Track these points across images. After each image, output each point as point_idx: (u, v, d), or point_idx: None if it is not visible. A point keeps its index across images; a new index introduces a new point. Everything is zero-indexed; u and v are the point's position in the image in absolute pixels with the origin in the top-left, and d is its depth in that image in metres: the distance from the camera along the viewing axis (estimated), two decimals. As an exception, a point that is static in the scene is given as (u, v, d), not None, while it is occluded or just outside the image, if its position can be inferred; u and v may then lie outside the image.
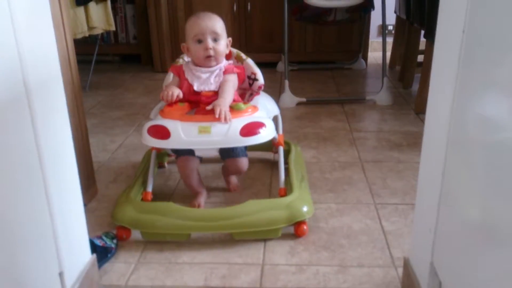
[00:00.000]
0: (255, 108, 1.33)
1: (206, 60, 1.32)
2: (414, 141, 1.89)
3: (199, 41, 1.31)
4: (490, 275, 0.67)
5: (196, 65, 1.34)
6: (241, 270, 1.15)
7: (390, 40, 3.09)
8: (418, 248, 0.97)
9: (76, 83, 1.38)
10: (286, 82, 2.44)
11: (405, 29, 2.81)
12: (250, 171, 1.62)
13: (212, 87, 1.33)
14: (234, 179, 1.55)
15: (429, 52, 2.20)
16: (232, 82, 1.35)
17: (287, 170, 1.46)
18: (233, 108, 1.28)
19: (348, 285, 1.09)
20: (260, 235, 1.24)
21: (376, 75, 2.96)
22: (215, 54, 1.32)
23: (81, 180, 1.04)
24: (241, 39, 3.06)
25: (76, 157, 0.99)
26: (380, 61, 2.51)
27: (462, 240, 0.78)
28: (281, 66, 3.03)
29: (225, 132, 1.22)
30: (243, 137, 1.23)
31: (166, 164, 1.71)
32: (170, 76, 1.41)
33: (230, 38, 1.38)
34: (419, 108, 2.25)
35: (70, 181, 0.96)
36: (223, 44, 1.34)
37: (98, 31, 2.51)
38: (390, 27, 3.41)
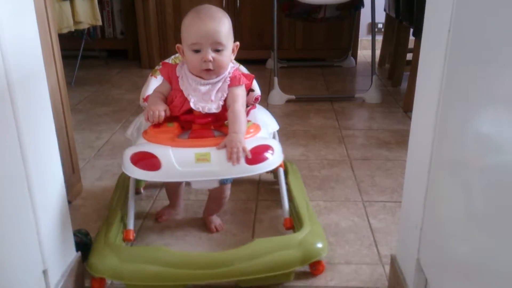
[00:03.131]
0: (257, 127, 1.11)
1: (203, 73, 1.05)
2: (402, 139, 1.89)
3: (197, 51, 1.03)
4: (476, 272, 0.67)
5: (192, 73, 1.07)
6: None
7: (379, 38, 3.10)
8: (404, 245, 0.97)
9: (61, 78, 1.36)
10: (275, 79, 2.44)
11: (394, 27, 2.82)
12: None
13: (213, 107, 1.05)
14: (215, 217, 1.29)
15: (417, 50, 2.21)
16: (242, 99, 1.07)
17: (288, 194, 1.26)
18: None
19: (335, 282, 1.08)
20: (270, 281, 1.04)
21: (366, 73, 2.97)
22: (215, 68, 1.04)
23: (66, 177, 1.02)
24: (231, 35, 3.05)
25: (60, 154, 0.97)
26: (369, 59, 2.52)
27: (448, 237, 0.78)
28: (270, 63, 3.02)
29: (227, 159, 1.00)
30: (249, 165, 1.00)
31: (142, 190, 1.48)
32: (151, 81, 1.19)
33: (237, 43, 1.09)
34: (408, 106, 2.25)
35: (53, 178, 0.94)
36: (227, 54, 1.05)
37: (84, 26, 2.48)
38: (380, 25, 3.43)
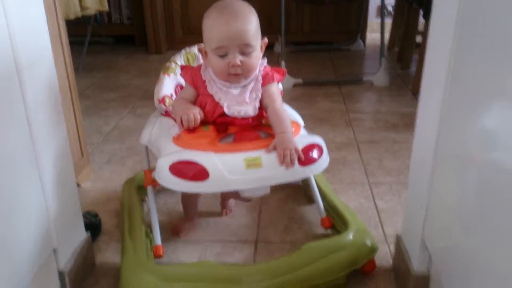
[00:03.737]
0: (297, 125, 1.00)
1: (230, 77, 0.94)
2: (410, 122, 1.88)
3: (222, 56, 0.92)
4: (479, 250, 0.67)
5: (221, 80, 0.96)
6: (235, 248, 1.15)
7: (389, 21, 3.07)
8: (410, 224, 0.98)
9: (69, 64, 1.36)
10: (283, 63, 2.42)
11: (404, 9, 2.78)
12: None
13: (250, 109, 0.95)
14: (231, 202, 1.27)
15: (427, 33, 2.18)
16: (279, 97, 0.99)
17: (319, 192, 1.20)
18: (270, 127, 0.96)
19: (341, 262, 1.09)
20: (324, 286, 0.97)
21: (374, 56, 2.94)
22: (243, 72, 0.93)
23: (75, 161, 1.04)
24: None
25: (69, 138, 0.99)
26: (378, 42, 2.49)
27: (452, 216, 0.78)
28: (278, 47, 3.01)
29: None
30: (302, 166, 0.90)
31: (147, 198, 1.28)
32: (164, 80, 1.08)
33: (265, 40, 0.97)
34: (416, 89, 2.24)
35: (62, 160, 0.95)
36: (256, 56, 0.94)
37: (91, 12, 2.48)
38: (390, 8, 3.38)
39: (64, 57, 1.33)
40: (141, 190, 1.28)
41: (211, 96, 0.95)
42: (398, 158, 1.60)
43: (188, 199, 1.17)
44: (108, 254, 1.14)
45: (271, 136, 0.93)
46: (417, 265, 0.92)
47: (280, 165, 0.88)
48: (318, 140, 0.96)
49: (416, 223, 0.92)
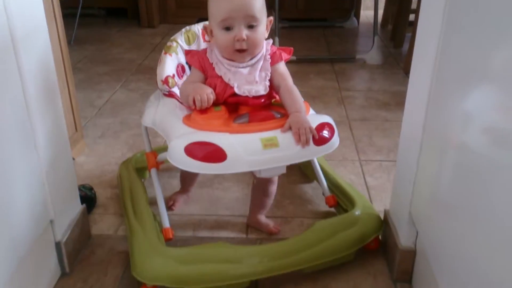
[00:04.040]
0: (306, 104, 1.00)
1: (235, 55, 0.93)
2: (401, 101, 1.87)
3: (228, 28, 0.92)
4: (463, 225, 0.70)
5: (224, 57, 0.96)
6: (228, 222, 1.18)
7: (382, -1, 3.05)
8: (398, 200, 1.01)
9: (62, 36, 1.35)
10: (277, 40, 2.42)
11: (398, -13, 2.77)
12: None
13: (261, 88, 0.94)
14: (265, 219, 1.15)
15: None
16: (289, 75, 0.99)
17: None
18: (281, 107, 0.97)
19: (330, 236, 1.13)
20: (335, 262, 1.00)
21: (368, 34, 2.94)
22: (249, 47, 0.92)
23: (69, 135, 1.04)
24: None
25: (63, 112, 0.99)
26: (372, 19, 2.49)
27: (438, 192, 0.81)
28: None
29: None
30: (317, 146, 0.90)
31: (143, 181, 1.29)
32: (166, 60, 1.07)
33: (271, 18, 0.97)
34: (408, 68, 2.23)
35: (58, 132, 0.96)
36: (262, 31, 0.94)
37: (83, -17, 2.44)
38: (384, -15, 3.35)
39: (57, 29, 1.32)
40: (139, 171, 1.28)
41: (220, 77, 0.94)
42: (389, 136, 1.63)
43: (189, 173, 1.16)
44: (103, 226, 1.16)
45: (285, 115, 0.94)
46: (404, 240, 0.96)
47: (296, 145, 0.88)
48: (329, 119, 0.97)
49: (404, 198, 0.95)
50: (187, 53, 1.01)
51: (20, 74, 0.82)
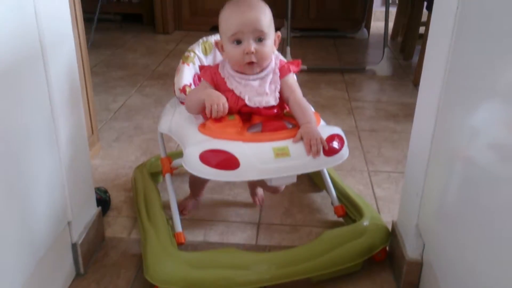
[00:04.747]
0: (317, 115, 1.02)
1: (246, 67, 0.98)
2: (410, 112, 1.90)
3: (238, 42, 0.97)
4: (469, 238, 0.72)
5: (236, 70, 1.00)
6: (238, 228, 1.21)
7: (393, 10, 3.08)
8: (405, 212, 1.03)
9: (83, 40, 1.40)
10: (288, 49, 2.45)
11: (408, 0, 2.80)
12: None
13: (271, 99, 0.98)
14: (260, 190, 1.30)
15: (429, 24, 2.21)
16: (298, 87, 1.02)
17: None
18: (292, 117, 0.99)
19: (338, 245, 1.15)
20: (343, 272, 1.02)
21: (378, 45, 2.96)
22: (258, 60, 0.97)
23: (86, 137, 1.08)
24: (244, 3, 3.04)
25: (82, 114, 1.03)
26: (382, 31, 2.52)
27: (445, 205, 0.83)
28: (283, 32, 3.02)
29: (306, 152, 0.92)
30: (327, 156, 0.94)
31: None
32: (184, 69, 1.10)
33: (279, 33, 1.02)
34: (418, 80, 2.26)
35: (78, 135, 1.00)
36: (270, 44, 0.98)
37: (101, -11, 2.50)
38: (395, -3, 3.38)
39: (78, 34, 1.36)
40: (153, 176, 1.31)
41: (231, 91, 0.98)
42: (397, 148, 1.65)
43: (198, 179, 1.15)
44: (116, 228, 1.19)
45: (296, 126, 0.97)
46: (411, 251, 0.98)
47: (307, 155, 0.92)
48: (339, 130, 1.00)
49: (411, 210, 0.97)
50: (201, 68, 1.06)
51: (47, 79, 0.86)
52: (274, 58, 1.02)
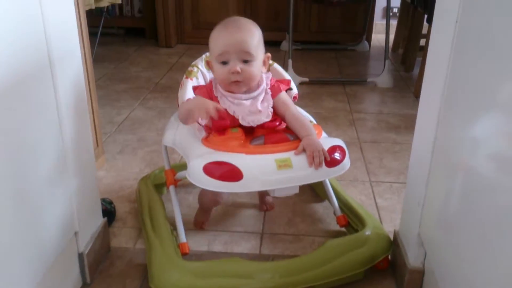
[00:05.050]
0: (318, 128, 1.05)
1: (232, 85, 1.00)
2: (411, 124, 1.93)
3: (224, 62, 0.99)
4: (470, 246, 0.74)
5: (226, 90, 1.02)
6: (242, 238, 1.22)
7: (394, 23, 3.12)
8: (407, 221, 1.04)
9: (88, 54, 1.43)
10: (290, 62, 2.48)
11: (409, 12, 2.84)
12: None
13: (264, 116, 1.00)
14: (269, 198, 1.33)
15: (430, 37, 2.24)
16: (292, 103, 1.06)
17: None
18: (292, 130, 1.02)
19: (341, 254, 1.16)
20: (345, 280, 1.03)
21: (379, 57, 3.00)
22: (244, 79, 0.99)
23: (92, 149, 1.10)
24: (246, 16, 3.08)
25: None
26: (383, 43, 2.55)
27: (446, 214, 0.85)
28: (285, 45, 3.06)
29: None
30: (329, 168, 0.96)
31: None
32: (187, 84, 1.11)
33: (268, 54, 1.04)
34: (419, 92, 2.27)
35: (85, 148, 1.02)
36: (257, 66, 1.00)
37: (104, 4, 2.53)
38: (395, 10, 3.43)
39: (83, 48, 1.39)
40: (157, 188, 1.33)
41: (226, 110, 1.00)
42: (399, 159, 1.66)
43: (209, 195, 1.16)
44: (121, 239, 1.21)
45: (298, 138, 1.00)
46: (412, 260, 0.99)
47: (309, 166, 0.94)
48: (340, 142, 1.03)
49: (412, 220, 0.98)
50: (195, 88, 1.07)
51: (55, 93, 0.88)
52: (265, 78, 1.04)
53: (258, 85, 1.02)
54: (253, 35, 0.99)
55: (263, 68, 1.03)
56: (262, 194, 1.31)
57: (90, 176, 1.05)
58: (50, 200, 0.89)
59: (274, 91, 1.03)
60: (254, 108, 1.00)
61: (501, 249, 0.63)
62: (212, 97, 1.03)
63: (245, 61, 0.98)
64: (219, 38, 0.99)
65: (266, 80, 1.04)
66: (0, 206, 0.72)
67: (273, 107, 1.03)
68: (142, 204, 1.25)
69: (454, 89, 0.82)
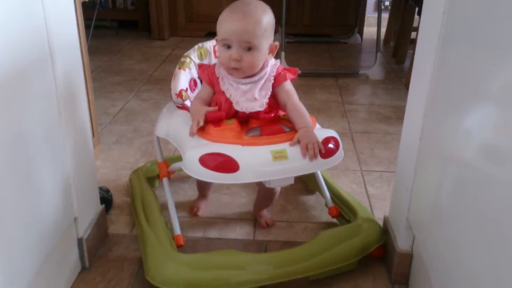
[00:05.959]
0: (312, 118, 1.05)
1: (231, 71, 1.01)
2: (402, 115, 1.93)
3: (228, 46, 0.99)
4: (456, 230, 0.77)
5: (228, 72, 1.03)
6: (236, 224, 1.26)
7: (386, 16, 3.15)
8: (396, 207, 1.08)
9: (84, 45, 1.44)
10: (282, 54, 2.51)
11: (401, 5, 2.87)
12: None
13: (257, 105, 1.00)
14: (266, 212, 1.27)
15: (421, 29, 2.27)
16: (295, 93, 1.04)
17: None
18: (289, 121, 1.03)
19: (333, 240, 1.20)
20: (339, 270, 1.05)
21: (371, 50, 3.03)
22: (242, 67, 0.99)
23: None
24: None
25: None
26: (375, 36, 2.58)
27: (434, 199, 0.88)
28: (277, 38, 3.08)
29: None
30: (323, 159, 0.97)
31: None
32: (180, 75, 1.12)
33: (276, 43, 1.02)
34: (409, 84, 2.33)
35: (83, 136, 1.04)
36: (259, 56, 0.99)
37: (98, -4, 2.55)
38: (387, 3, 3.46)
39: (80, 38, 1.40)
40: (149, 180, 1.34)
41: (223, 93, 1.01)
42: (389, 149, 1.70)
43: (205, 182, 1.19)
44: (119, 226, 1.24)
45: (293, 129, 1.01)
46: (401, 243, 1.03)
47: (303, 158, 0.95)
48: (334, 133, 1.04)
49: (401, 205, 1.02)
50: (200, 67, 1.08)
51: (55, 82, 0.90)
52: (271, 65, 1.03)
53: (262, 69, 1.01)
54: (258, 24, 0.96)
55: (269, 56, 1.02)
56: (258, 209, 1.26)
57: (88, 163, 1.08)
58: (50, 186, 0.91)
59: (280, 78, 1.03)
60: (250, 95, 1.00)
61: (486, 231, 0.66)
62: (213, 80, 1.04)
63: (248, 49, 0.97)
64: (224, 22, 0.98)
65: (272, 67, 1.03)
66: (2, 190, 0.75)
67: (275, 95, 1.03)
68: (135, 198, 1.25)
69: (441, 80, 0.85)
